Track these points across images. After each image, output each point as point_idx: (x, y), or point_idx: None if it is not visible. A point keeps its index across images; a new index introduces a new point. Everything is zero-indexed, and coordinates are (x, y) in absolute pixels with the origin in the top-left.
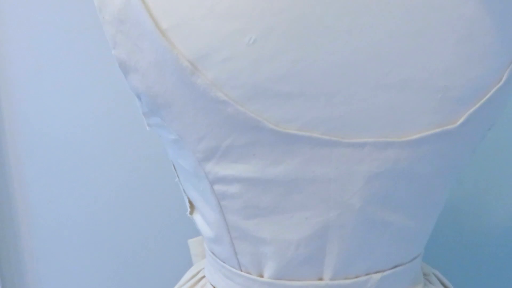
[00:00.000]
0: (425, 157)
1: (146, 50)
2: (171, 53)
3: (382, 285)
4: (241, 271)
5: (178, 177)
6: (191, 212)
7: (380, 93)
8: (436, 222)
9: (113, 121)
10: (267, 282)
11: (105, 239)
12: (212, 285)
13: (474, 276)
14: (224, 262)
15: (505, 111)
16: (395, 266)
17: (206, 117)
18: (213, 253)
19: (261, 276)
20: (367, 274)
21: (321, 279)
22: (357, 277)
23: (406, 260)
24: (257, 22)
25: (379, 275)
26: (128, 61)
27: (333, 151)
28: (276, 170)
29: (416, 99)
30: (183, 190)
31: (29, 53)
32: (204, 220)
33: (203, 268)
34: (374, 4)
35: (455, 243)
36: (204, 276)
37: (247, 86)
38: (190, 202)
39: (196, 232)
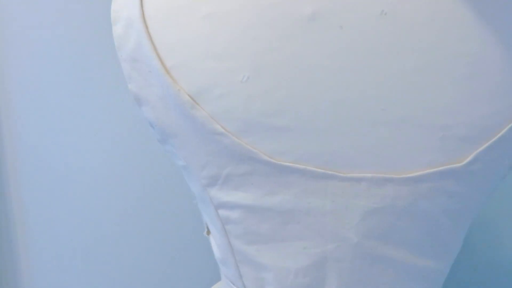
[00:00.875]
0: (427, 195)
1: (154, 85)
2: (173, 88)
3: None
4: None
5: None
6: (208, 233)
7: (377, 130)
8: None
9: (110, 125)
10: None
11: (102, 245)
12: None
13: None
14: (233, 284)
15: None
16: None
17: (206, 146)
18: (224, 274)
19: None
20: None
21: None
22: None
23: None
24: (250, 61)
25: None
26: (140, 94)
27: (328, 184)
28: (273, 199)
29: (414, 137)
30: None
31: (28, 61)
32: (214, 242)
33: None
34: (369, 42)
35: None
36: None
37: (242, 120)
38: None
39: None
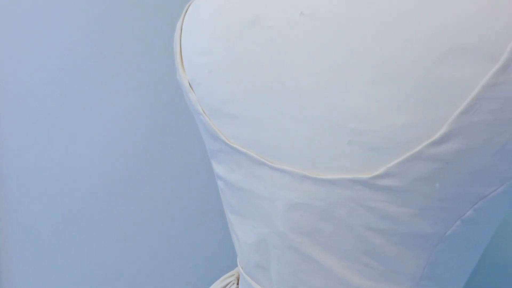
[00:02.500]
0: (343, 203)
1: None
2: (182, 77)
3: None
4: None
5: None
6: None
7: (297, 126)
8: None
9: (100, 121)
10: (243, 276)
11: (86, 243)
12: None
13: None
14: None
15: None
16: None
17: (199, 124)
18: None
19: (242, 267)
20: None
21: None
22: None
23: None
24: (214, 56)
25: None
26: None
27: (263, 171)
28: (233, 176)
29: (328, 138)
30: None
31: (19, 62)
32: None
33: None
34: (291, 41)
35: None
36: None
37: (209, 105)
38: None
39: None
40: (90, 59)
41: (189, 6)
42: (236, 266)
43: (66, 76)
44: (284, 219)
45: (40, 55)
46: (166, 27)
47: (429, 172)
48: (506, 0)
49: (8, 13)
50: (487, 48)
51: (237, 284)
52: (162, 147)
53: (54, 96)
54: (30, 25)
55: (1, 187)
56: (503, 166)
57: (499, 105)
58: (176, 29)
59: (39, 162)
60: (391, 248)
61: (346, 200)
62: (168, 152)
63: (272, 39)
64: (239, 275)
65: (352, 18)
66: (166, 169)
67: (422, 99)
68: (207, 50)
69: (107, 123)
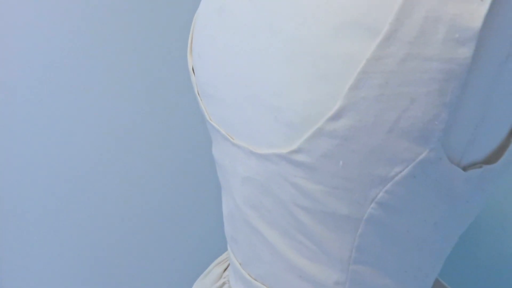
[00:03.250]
0: (276, 179)
1: None
2: (189, 62)
3: None
4: None
5: None
6: None
7: (243, 104)
8: None
9: (96, 120)
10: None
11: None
12: None
13: None
14: None
15: None
16: None
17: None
18: None
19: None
20: (257, 281)
21: (240, 263)
22: (253, 279)
23: None
24: (201, 43)
25: None
26: None
27: (228, 147)
28: (214, 152)
29: (260, 116)
30: None
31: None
32: None
33: None
34: (238, 23)
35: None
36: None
37: (200, 86)
38: None
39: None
40: (91, 57)
41: None
42: None
43: (64, 74)
44: (239, 192)
45: (39, 54)
46: (167, 27)
47: (331, 149)
48: None
49: (6, 11)
50: (370, 23)
51: None
52: (161, 146)
53: (52, 95)
54: (28, 23)
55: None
56: (400, 145)
57: (383, 80)
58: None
59: (38, 162)
60: (317, 227)
61: (276, 175)
62: (168, 151)
63: (227, 24)
64: None
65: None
66: (166, 168)
67: (321, 75)
68: (198, 37)
69: (107, 121)
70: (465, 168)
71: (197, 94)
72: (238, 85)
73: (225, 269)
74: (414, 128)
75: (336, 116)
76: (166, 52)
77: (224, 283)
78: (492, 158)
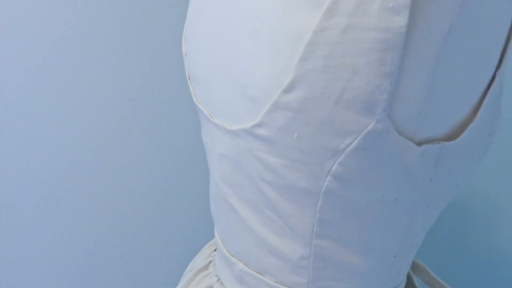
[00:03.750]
0: (243, 153)
1: None
2: (183, 47)
3: (247, 278)
4: None
5: None
6: None
7: (217, 83)
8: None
9: (89, 121)
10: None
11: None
12: None
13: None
14: None
15: None
16: (260, 273)
17: None
18: None
19: None
20: (234, 258)
21: (221, 241)
22: (231, 255)
23: (276, 276)
24: (189, 29)
25: (244, 267)
26: None
27: (209, 126)
28: (202, 133)
29: (230, 93)
30: None
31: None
32: None
33: None
34: (207, 7)
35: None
36: None
37: (189, 70)
38: None
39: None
40: (88, 55)
41: None
42: None
43: (60, 72)
44: (217, 170)
45: (37, 53)
46: (164, 26)
47: (287, 121)
48: None
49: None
50: None
51: None
52: (159, 144)
53: (48, 93)
54: (24, 22)
55: None
56: (347, 116)
57: (328, 51)
58: None
59: (32, 160)
60: (281, 201)
61: (245, 151)
62: (166, 149)
63: (208, 8)
64: None
65: None
66: (164, 166)
67: (278, 49)
68: (188, 21)
69: (104, 120)
70: (420, 144)
71: (187, 78)
72: (215, 65)
73: (215, 250)
74: (358, 99)
75: (288, 89)
76: (163, 51)
77: (210, 262)
78: (454, 136)
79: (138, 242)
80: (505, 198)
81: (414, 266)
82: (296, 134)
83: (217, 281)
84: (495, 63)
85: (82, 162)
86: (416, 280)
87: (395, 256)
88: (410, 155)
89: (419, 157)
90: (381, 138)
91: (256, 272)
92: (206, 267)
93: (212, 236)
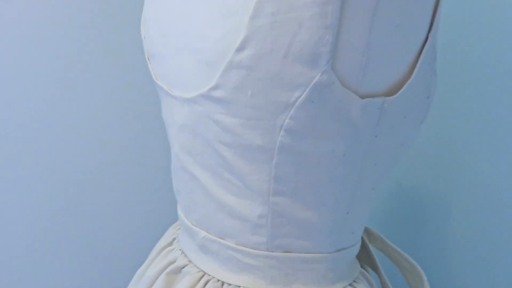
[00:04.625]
0: (201, 119)
1: None
2: (142, 31)
3: (209, 245)
4: None
5: None
6: None
7: (175, 55)
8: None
9: (96, 118)
10: None
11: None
12: None
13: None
14: None
15: None
16: (221, 237)
17: None
18: None
19: None
20: (197, 227)
21: (184, 214)
22: (193, 225)
23: (236, 238)
24: (146, 11)
25: (206, 235)
26: None
27: (168, 100)
28: (162, 112)
29: (187, 62)
30: None
31: (16, 52)
32: None
33: None
34: None
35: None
36: None
37: (147, 50)
38: None
39: None
40: (87, 55)
41: None
42: None
43: (61, 73)
44: (177, 141)
45: (37, 53)
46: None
47: (241, 80)
48: None
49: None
50: None
51: None
52: (158, 143)
53: (49, 94)
54: (25, 23)
55: None
56: (295, 69)
57: (275, 7)
58: None
59: (33, 161)
60: (239, 162)
61: (202, 116)
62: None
63: None
64: None
65: None
66: (163, 166)
67: (230, 10)
68: (146, 4)
69: (103, 120)
70: (363, 97)
71: (147, 59)
72: (171, 37)
73: (178, 229)
74: (304, 52)
75: (241, 47)
76: None
77: (174, 239)
78: (394, 92)
79: (136, 240)
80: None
81: (369, 234)
82: (250, 92)
83: (181, 254)
84: (427, 25)
85: (80, 162)
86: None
87: (347, 213)
88: (354, 108)
89: (362, 109)
90: (327, 90)
91: (218, 237)
92: (170, 243)
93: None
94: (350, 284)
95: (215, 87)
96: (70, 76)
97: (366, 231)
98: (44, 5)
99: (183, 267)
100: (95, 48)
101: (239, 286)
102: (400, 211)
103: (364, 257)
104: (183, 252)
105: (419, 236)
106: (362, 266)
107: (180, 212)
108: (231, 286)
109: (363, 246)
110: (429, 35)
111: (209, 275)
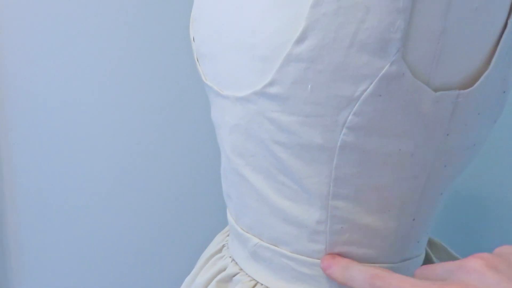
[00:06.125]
0: (255, 118)
1: None
2: (190, 31)
3: (261, 252)
4: None
5: None
6: None
7: (228, 53)
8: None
9: (110, 116)
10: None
11: (98, 237)
12: None
13: None
14: None
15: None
16: (275, 244)
17: None
18: None
19: None
20: (248, 233)
21: (234, 219)
22: (244, 231)
23: (292, 246)
24: (194, 6)
25: (258, 241)
26: None
27: (219, 101)
28: (212, 114)
29: (239, 59)
30: None
31: (27, 51)
32: None
33: None
34: None
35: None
36: None
37: (197, 50)
38: None
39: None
40: (96, 57)
41: None
42: None
43: (71, 75)
44: (228, 142)
45: (46, 54)
46: (170, 25)
47: (300, 73)
48: None
49: (12, 11)
50: None
51: None
52: (167, 145)
53: (59, 96)
54: (36, 23)
55: (9, 186)
56: (361, 59)
57: None
58: None
59: (45, 162)
60: (296, 163)
61: (256, 115)
62: (174, 150)
63: None
64: None
65: None
66: (172, 167)
67: (287, 0)
68: (195, 2)
69: (113, 122)
70: (436, 90)
71: (196, 60)
72: (223, 35)
73: (227, 236)
74: (372, 40)
75: (301, 38)
76: (173, 50)
77: (223, 246)
78: (469, 84)
79: (150, 241)
80: None
81: (431, 244)
82: (309, 86)
83: (231, 262)
84: (507, 9)
85: (128, 166)
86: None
87: (413, 220)
88: (426, 102)
89: (434, 104)
90: (396, 82)
91: (271, 244)
92: (219, 250)
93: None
94: None
95: (270, 83)
96: (118, 80)
97: (429, 240)
98: (98, 6)
99: (234, 275)
100: (145, 52)
101: None
102: (462, 219)
103: None
104: (233, 260)
105: (485, 247)
106: None
107: (230, 217)
108: None
109: (426, 257)
110: (509, 21)
111: (262, 284)
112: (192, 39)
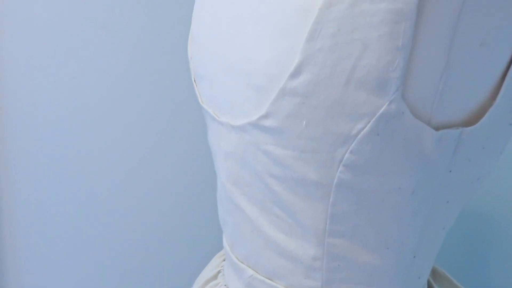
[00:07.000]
0: (250, 148)
1: None
2: (188, 51)
3: (256, 284)
4: None
5: None
6: None
7: (223, 78)
8: None
9: (111, 118)
10: None
11: (96, 241)
12: None
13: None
14: None
15: None
16: (270, 278)
17: None
18: None
19: None
20: (243, 264)
21: (229, 247)
22: (239, 261)
23: (287, 280)
24: (194, 28)
25: (253, 274)
26: None
27: (215, 126)
28: (208, 137)
29: (235, 85)
30: None
31: (25, 52)
32: None
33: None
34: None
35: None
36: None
37: (194, 71)
38: None
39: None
40: (98, 58)
41: None
42: None
43: (73, 75)
44: (223, 169)
45: (48, 54)
46: (170, 26)
47: (294, 108)
48: None
49: (12, 11)
50: None
51: None
52: (168, 147)
53: (59, 96)
54: (37, 23)
55: (9, 183)
56: (359, 97)
57: (336, 28)
58: None
59: (46, 162)
60: (290, 197)
61: (251, 146)
62: (175, 152)
63: (202, 3)
64: None
65: None
66: (173, 169)
67: (282, 32)
68: (193, 21)
69: (114, 122)
70: (438, 129)
71: (193, 81)
72: (220, 59)
73: (224, 260)
74: (370, 77)
75: (296, 73)
76: (173, 53)
77: (219, 271)
78: (473, 121)
79: (147, 253)
80: None
81: (434, 273)
82: (304, 122)
83: None
84: None
85: (122, 188)
86: None
87: (414, 257)
88: (427, 141)
89: (436, 143)
90: (396, 121)
91: (266, 277)
92: (214, 276)
93: (221, 247)
94: None
95: (265, 116)
96: (118, 82)
97: (431, 269)
98: (99, 8)
99: None
100: (146, 54)
101: None
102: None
103: None
104: None
105: (490, 276)
106: None
107: (225, 244)
108: None
109: (428, 285)
110: None
111: None
112: (190, 58)
